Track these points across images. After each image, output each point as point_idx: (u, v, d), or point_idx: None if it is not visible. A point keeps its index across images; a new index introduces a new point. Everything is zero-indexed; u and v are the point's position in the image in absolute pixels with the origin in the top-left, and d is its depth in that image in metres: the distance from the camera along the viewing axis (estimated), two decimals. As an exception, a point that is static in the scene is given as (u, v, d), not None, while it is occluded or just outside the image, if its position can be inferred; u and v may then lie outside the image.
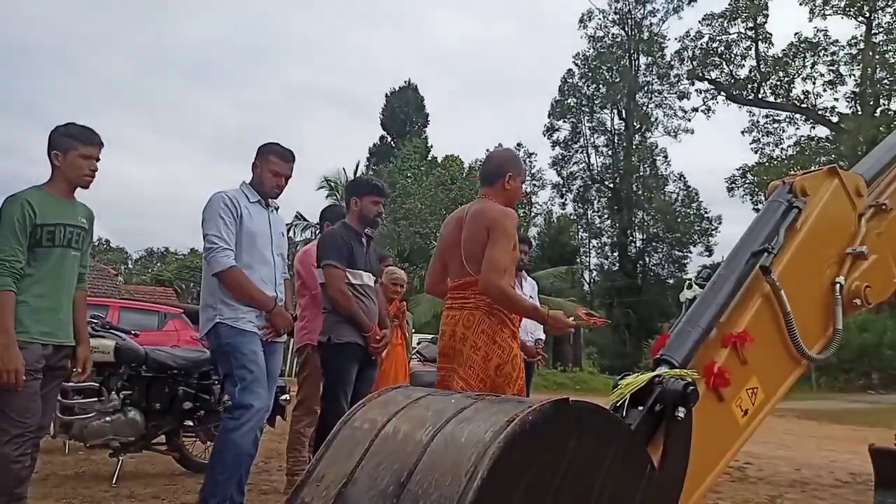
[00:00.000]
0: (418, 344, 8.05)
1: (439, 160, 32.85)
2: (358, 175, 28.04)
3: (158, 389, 4.69)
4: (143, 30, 71.51)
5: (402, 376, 5.16)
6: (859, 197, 2.61)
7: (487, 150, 37.18)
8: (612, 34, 38.93)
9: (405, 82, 38.74)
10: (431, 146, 35.74)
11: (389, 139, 37.88)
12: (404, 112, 37.73)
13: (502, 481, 1.30)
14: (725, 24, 34.66)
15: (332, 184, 28.80)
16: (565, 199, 40.27)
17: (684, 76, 36.89)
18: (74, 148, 3.07)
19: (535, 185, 40.59)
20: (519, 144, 39.94)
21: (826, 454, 8.02)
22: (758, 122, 34.86)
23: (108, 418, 4.44)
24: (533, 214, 38.16)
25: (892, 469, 4.75)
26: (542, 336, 5.58)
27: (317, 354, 4.12)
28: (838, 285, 2.38)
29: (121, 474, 4.65)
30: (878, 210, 2.65)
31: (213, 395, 4.81)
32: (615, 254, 38.74)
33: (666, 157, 38.66)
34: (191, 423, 4.91)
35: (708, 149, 54.51)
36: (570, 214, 39.65)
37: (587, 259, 39.85)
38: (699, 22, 36.15)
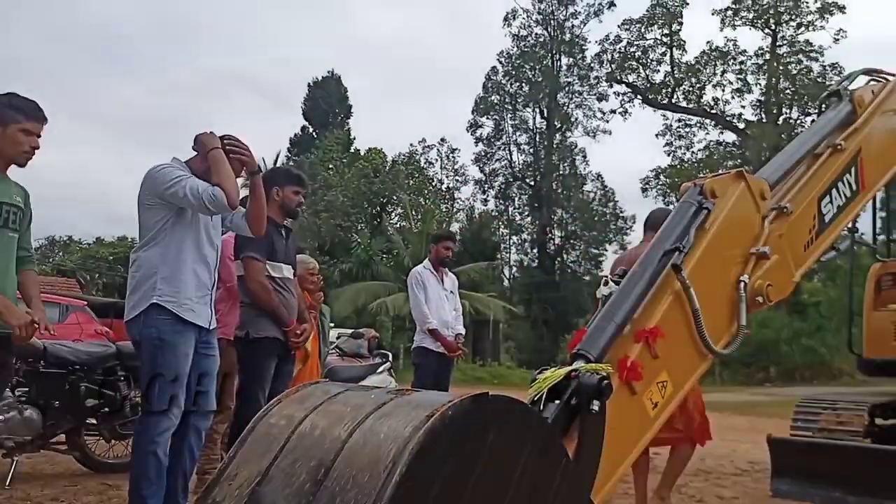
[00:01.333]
0: (337, 338, 7.95)
1: (362, 152, 32.55)
2: (278, 165, 27.40)
3: (58, 386, 4.45)
4: (52, 6, 67.22)
5: (316, 371, 5.07)
6: (763, 200, 2.76)
7: (411, 144, 36.91)
8: (536, 34, 39.63)
9: (328, 72, 38.18)
10: (354, 138, 35.39)
11: (311, 130, 37.22)
12: (327, 102, 37.14)
13: (421, 476, 1.30)
14: (643, 30, 35.90)
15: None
16: (487, 196, 40.75)
17: (603, 78, 37.98)
18: (17, 121, 2.82)
19: (457, 180, 40.89)
20: (443, 139, 40.10)
21: (728, 444, 8.45)
22: (671, 125, 36.34)
23: (1, 417, 4.18)
24: (455, 210, 38.44)
25: (786, 457, 5.07)
26: (462, 331, 5.62)
27: (231, 349, 4.01)
28: (743, 284, 2.51)
29: (15, 475, 4.39)
30: (781, 213, 2.80)
31: (118, 391, 4.61)
32: (534, 250, 39.52)
33: (585, 156, 39.71)
34: (94, 421, 4.68)
35: (624, 150, 56.34)
36: (492, 211, 40.15)
37: (507, 255, 40.49)
38: (618, 27, 37.22)
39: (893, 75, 3.93)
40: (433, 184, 36.57)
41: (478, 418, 1.41)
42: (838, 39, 31.39)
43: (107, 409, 4.63)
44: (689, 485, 5.33)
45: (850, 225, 3.77)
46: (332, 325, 7.80)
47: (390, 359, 7.31)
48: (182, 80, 63.67)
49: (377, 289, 22.70)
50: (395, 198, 29.90)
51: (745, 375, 23.16)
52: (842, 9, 31.15)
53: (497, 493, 1.43)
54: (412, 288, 5.51)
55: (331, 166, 30.03)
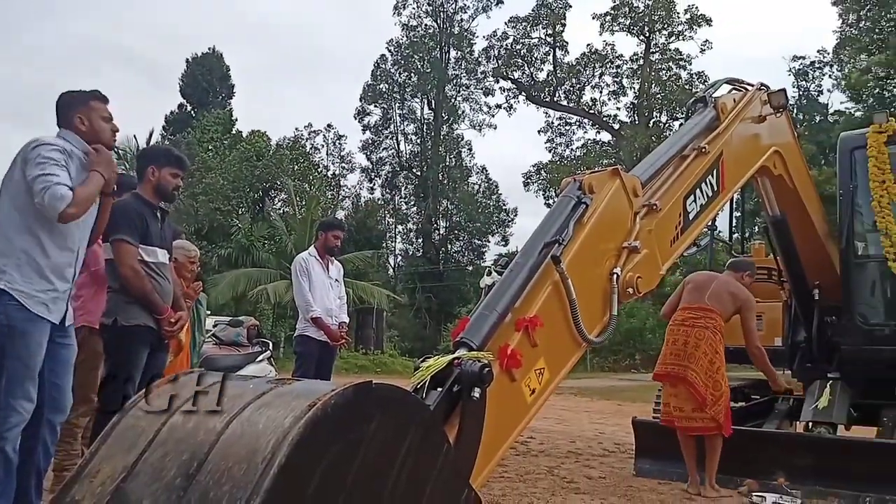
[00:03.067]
0: (214, 326, 7.63)
1: (244, 134, 31.34)
2: (153, 144, 25.83)
3: None
4: None
5: (187, 363, 4.84)
6: (636, 197, 2.92)
7: (297, 129, 35.96)
8: (425, 25, 39.75)
9: (209, 49, 36.38)
10: (236, 119, 33.90)
11: (189, 108, 35.32)
12: (207, 80, 35.37)
13: (301, 466, 1.27)
14: (528, 29, 36.94)
15: (121, 152, 26.25)
16: (374, 184, 40.56)
17: (490, 73, 38.74)
18: None
19: (344, 167, 40.39)
20: (329, 125, 39.47)
21: (596, 427, 8.93)
22: (552, 123, 37.72)
23: None
24: (341, 197, 37.97)
25: (649, 438, 5.43)
26: (346, 319, 5.57)
27: (96, 337, 3.75)
28: (615, 276, 2.65)
29: None
30: (651, 210, 2.98)
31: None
32: (420, 240, 39.80)
33: (471, 149, 40.39)
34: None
35: (508, 144, 57.75)
36: (378, 199, 40.00)
37: (392, 244, 40.52)
38: (505, 23, 38.10)
39: (752, 86, 4.29)
40: (319, 170, 35.88)
41: (360, 407, 1.41)
42: (704, 50, 33.91)
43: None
44: (560, 466, 5.58)
45: (709, 223, 4.06)
46: (208, 312, 7.46)
47: (270, 347, 7.12)
48: (48, 50, 58.48)
49: (258, 275, 22.00)
50: (278, 183, 29.05)
51: (613, 362, 24.56)
52: (709, 21, 33.64)
53: (378, 481, 1.44)
54: (296, 275, 5.39)
55: (210, 147, 28.68)
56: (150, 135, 27.53)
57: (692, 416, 4.61)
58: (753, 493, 4.41)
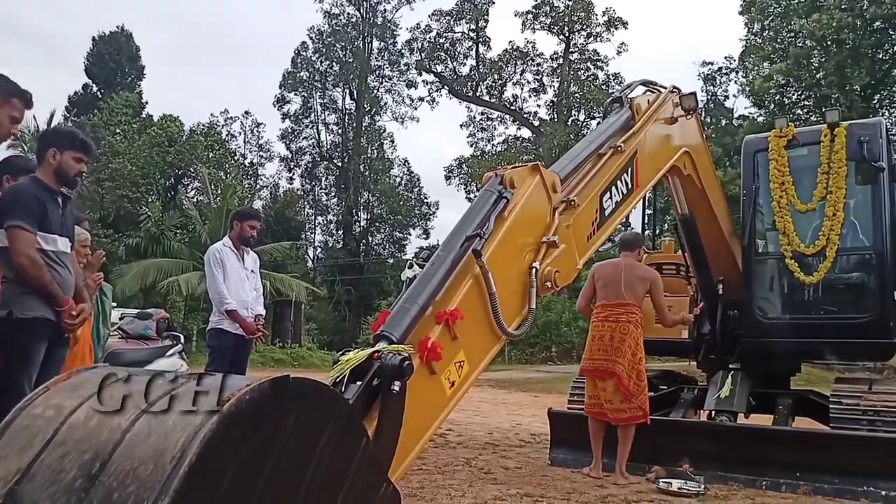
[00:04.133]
0: (121, 319, 7.27)
1: (155, 118, 30.00)
2: (53, 126, 24.33)
3: None
4: None
5: (89, 357, 4.60)
6: (555, 192, 2.98)
7: (212, 115, 34.77)
8: (348, 13, 39.21)
9: (117, 27, 34.57)
10: (147, 102, 32.36)
11: (95, 89, 33.48)
12: (115, 60, 33.59)
13: (213, 465, 1.22)
14: (451, 23, 37.07)
15: (19, 133, 24.59)
16: (293, 174, 39.77)
17: (413, 66, 38.66)
18: None
19: (262, 156, 39.40)
20: (247, 112, 38.41)
21: (513, 418, 9.11)
22: (475, 117, 38.06)
23: None
24: (259, 186, 37.02)
25: (563, 428, 5.57)
26: (262, 312, 5.44)
27: (-11, 331, 3.50)
28: (534, 270, 2.69)
29: None
30: (569, 205, 3.05)
31: None
32: (340, 232, 39.35)
33: (393, 141, 40.24)
34: None
35: (430, 138, 57.84)
36: (298, 190, 39.25)
37: (312, 235, 39.90)
38: (429, 16, 38.12)
39: (665, 88, 4.45)
40: (235, 158, 34.85)
41: (277, 403, 1.37)
42: (621, 52, 35.05)
43: None
44: (478, 458, 5.65)
45: (623, 219, 4.20)
46: (114, 304, 7.10)
47: (182, 341, 6.85)
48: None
49: (169, 266, 21.13)
50: (192, 170, 27.99)
51: (530, 354, 25.06)
52: (625, 24, 34.76)
53: (295, 478, 1.40)
54: (210, 266, 5.21)
55: (119, 131, 27.27)
56: (52, 116, 25.93)
57: (621, 407, 4.86)
58: (660, 480, 4.60)
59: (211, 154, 29.40)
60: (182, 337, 6.97)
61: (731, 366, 5.58)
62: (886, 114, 26.15)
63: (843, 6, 25.19)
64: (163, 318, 6.97)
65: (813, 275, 5.22)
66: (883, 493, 4.28)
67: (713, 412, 5.40)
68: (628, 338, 4.87)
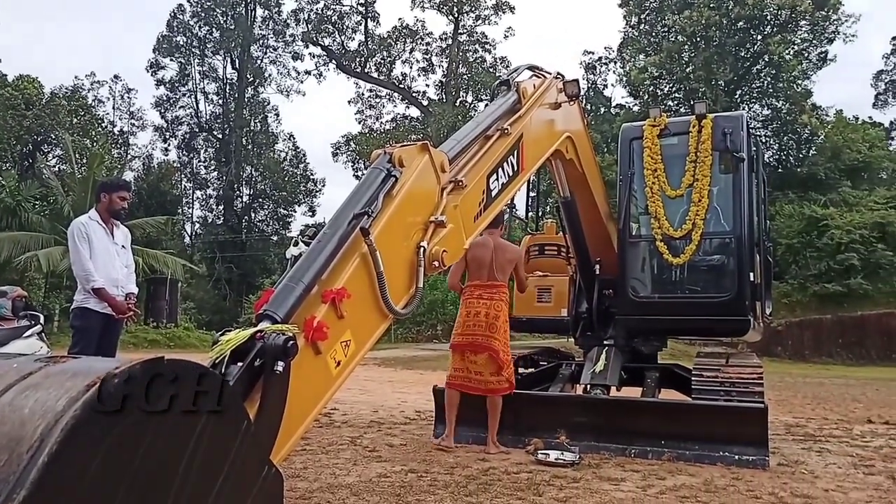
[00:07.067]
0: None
1: (10, 79, 27.36)
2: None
3: None
4: None
5: None
6: (443, 172, 2.99)
7: (77, 77, 32.24)
8: (230, -24, 37.41)
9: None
10: (0, 61, 29.56)
11: (-62, 42, 30.10)
12: (-38, 12, 30.35)
13: (76, 455, 1.14)
14: (341, -5, 36.27)
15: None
16: (168, 145, 37.69)
17: (299, 37, 37.53)
18: None
19: (133, 124, 37.04)
20: (116, 76, 35.95)
21: (399, 396, 9.17)
22: (363, 94, 37.59)
23: None
24: (130, 157, 34.80)
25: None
26: (135, 290, 5.11)
27: None
28: (422, 249, 2.69)
29: None
30: (457, 186, 3.07)
31: None
32: (220, 207, 37.78)
33: (278, 114, 39.17)
34: None
35: (317, 113, 56.64)
36: (174, 161, 37.23)
37: (190, 210, 38.07)
38: (316, -14, 36.98)
39: (550, 73, 4.57)
40: (103, 125, 32.50)
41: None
42: (508, 36, 35.88)
43: None
44: (363, 436, 5.65)
45: (509, 201, 4.29)
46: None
47: (42, 321, 6.34)
48: None
49: (26, 240, 19.46)
50: (52, 137, 25.85)
51: (416, 332, 25.32)
52: (513, 9, 35.41)
53: (170, 464, 1.33)
54: (74, 240, 4.82)
55: (-34, 90, 24.71)
56: None
57: (490, 379, 5.09)
58: (539, 451, 4.79)
59: (75, 120, 27.31)
60: (42, 317, 6.46)
61: (605, 342, 5.88)
62: (747, 108, 28.37)
63: (711, 5, 26.93)
64: (19, 296, 6.42)
65: (680, 256, 5.57)
66: (736, 457, 4.68)
67: (588, 386, 5.67)
68: (501, 314, 5.17)
